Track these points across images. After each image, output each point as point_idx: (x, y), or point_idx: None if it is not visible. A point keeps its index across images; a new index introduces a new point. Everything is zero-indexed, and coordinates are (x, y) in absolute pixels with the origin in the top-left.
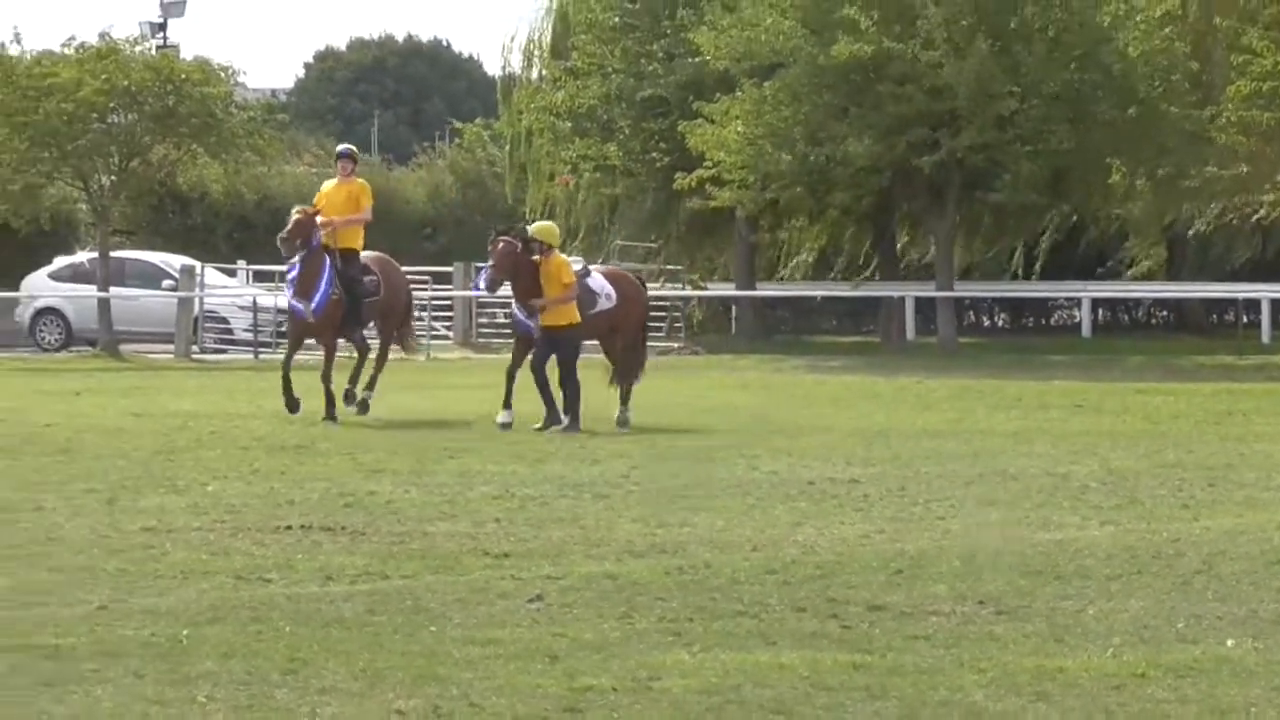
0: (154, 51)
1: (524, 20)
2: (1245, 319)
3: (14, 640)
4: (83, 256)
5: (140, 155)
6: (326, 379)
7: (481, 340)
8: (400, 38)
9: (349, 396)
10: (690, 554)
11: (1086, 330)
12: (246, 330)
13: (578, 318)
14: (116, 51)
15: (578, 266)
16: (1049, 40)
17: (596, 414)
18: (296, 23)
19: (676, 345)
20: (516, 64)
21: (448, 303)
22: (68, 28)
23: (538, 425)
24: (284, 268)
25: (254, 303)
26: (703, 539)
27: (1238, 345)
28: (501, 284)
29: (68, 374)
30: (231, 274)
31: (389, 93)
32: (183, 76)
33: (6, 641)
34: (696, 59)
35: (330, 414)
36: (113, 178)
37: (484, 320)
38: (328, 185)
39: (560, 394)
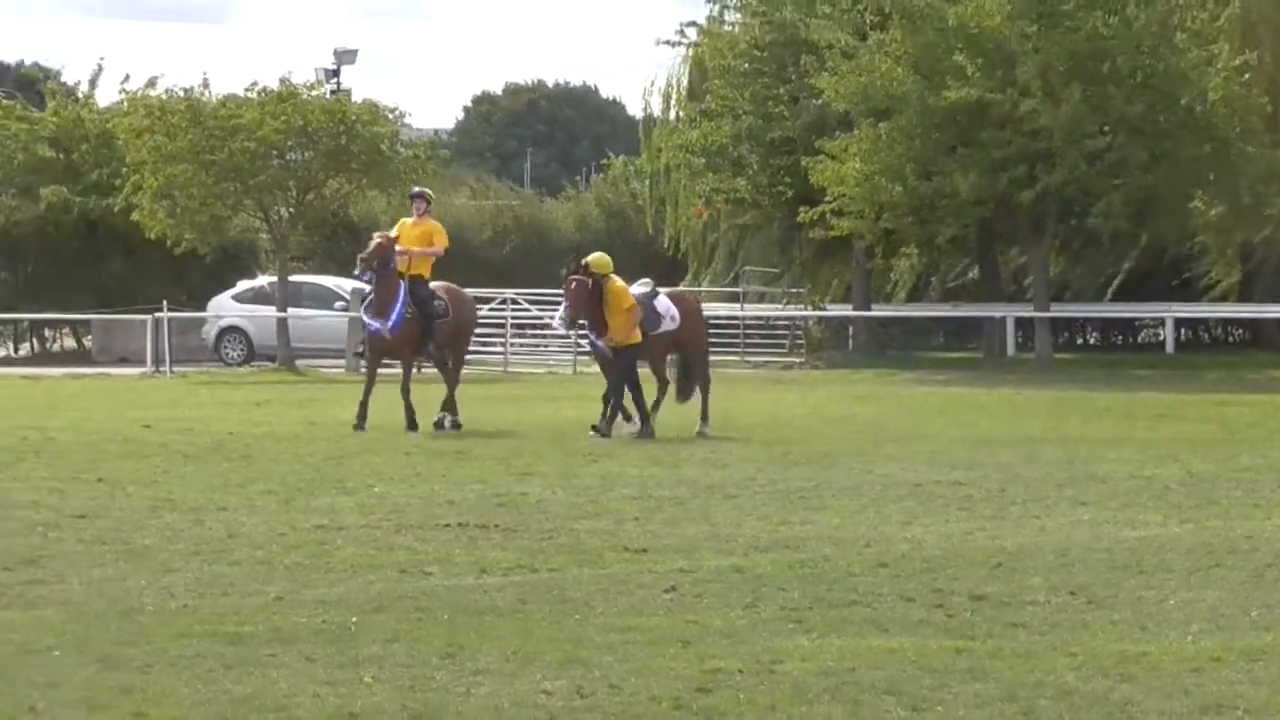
0: (328, 95)
1: (663, 67)
2: None
3: (200, 627)
4: (263, 280)
5: (315, 189)
6: (405, 392)
7: None
8: (551, 83)
9: (440, 424)
10: (810, 549)
11: (1170, 347)
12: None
13: (639, 338)
14: (295, 95)
15: (645, 290)
16: (1136, 85)
17: (723, 422)
18: (458, 69)
19: (798, 361)
20: (656, 106)
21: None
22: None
23: (634, 430)
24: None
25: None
26: (821, 536)
27: None
28: (577, 321)
29: (249, 387)
30: None
31: (541, 134)
32: (353, 118)
33: (193, 628)
34: (819, 101)
35: (411, 424)
36: (290, 209)
37: None
38: (405, 222)
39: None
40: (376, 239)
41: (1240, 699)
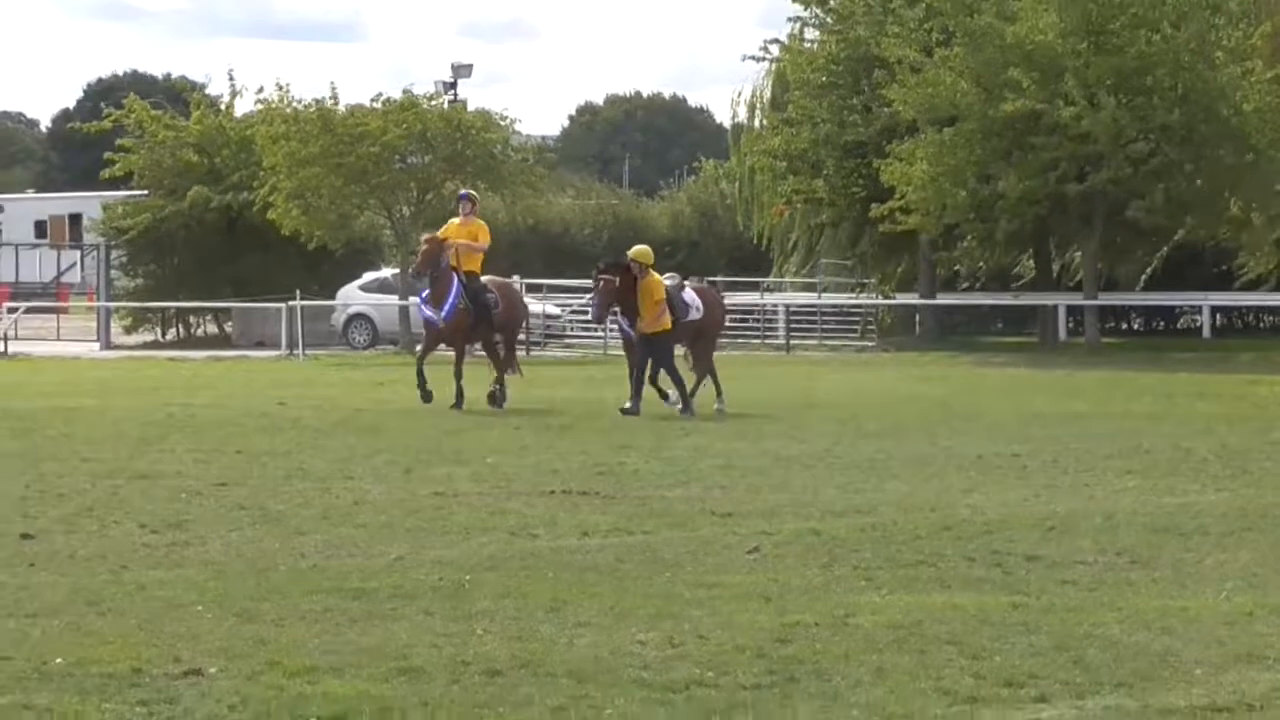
0: (446, 105)
1: (748, 80)
2: None
3: (328, 584)
4: (387, 272)
5: (434, 190)
6: (458, 375)
7: None
8: (646, 93)
9: (492, 397)
10: (880, 514)
11: (1207, 332)
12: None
13: (670, 325)
14: (415, 105)
15: (673, 282)
16: (1177, 97)
17: (801, 399)
18: (563, 83)
19: (871, 344)
20: (743, 115)
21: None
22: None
23: (626, 406)
24: (551, 281)
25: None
26: (891, 502)
27: None
28: (607, 316)
29: (374, 368)
30: None
31: (638, 140)
32: (468, 125)
33: (322, 585)
34: (889, 110)
35: (459, 404)
36: (411, 208)
37: None
38: (453, 223)
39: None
40: (424, 243)
41: (1270, 650)
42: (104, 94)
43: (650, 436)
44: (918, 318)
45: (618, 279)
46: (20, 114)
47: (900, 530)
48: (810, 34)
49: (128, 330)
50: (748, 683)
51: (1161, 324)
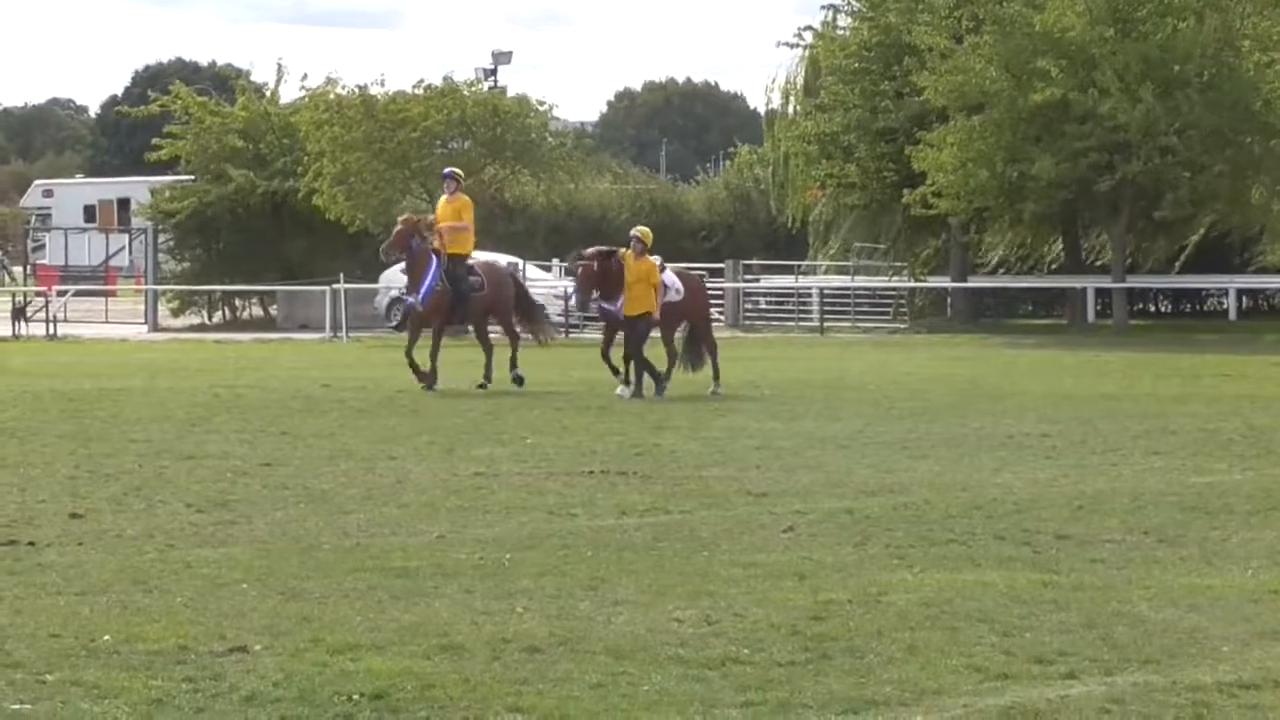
0: (486, 91)
1: (782, 66)
2: None
3: (371, 562)
4: None
5: (474, 174)
6: (433, 355)
7: (747, 322)
8: (680, 80)
9: (518, 379)
10: (912, 493)
11: (1232, 315)
12: (559, 315)
13: (654, 309)
14: (456, 91)
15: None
16: (1204, 86)
17: (835, 380)
18: (600, 69)
19: (903, 326)
20: (776, 100)
21: (719, 292)
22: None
23: (626, 390)
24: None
25: (565, 292)
26: (923, 481)
27: None
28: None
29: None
30: (547, 269)
31: (674, 125)
32: (508, 111)
33: (365, 563)
34: (919, 97)
35: (431, 385)
36: None
37: (749, 307)
38: (440, 201)
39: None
40: (399, 225)
41: None
42: (151, 80)
43: (687, 417)
44: (949, 300)
45: (595, 264)
46: (70, 100)
47: (932, 509)
48: (843, 21)
49: (175, 313)
50: (782, 659)
51: (1188, 306)
